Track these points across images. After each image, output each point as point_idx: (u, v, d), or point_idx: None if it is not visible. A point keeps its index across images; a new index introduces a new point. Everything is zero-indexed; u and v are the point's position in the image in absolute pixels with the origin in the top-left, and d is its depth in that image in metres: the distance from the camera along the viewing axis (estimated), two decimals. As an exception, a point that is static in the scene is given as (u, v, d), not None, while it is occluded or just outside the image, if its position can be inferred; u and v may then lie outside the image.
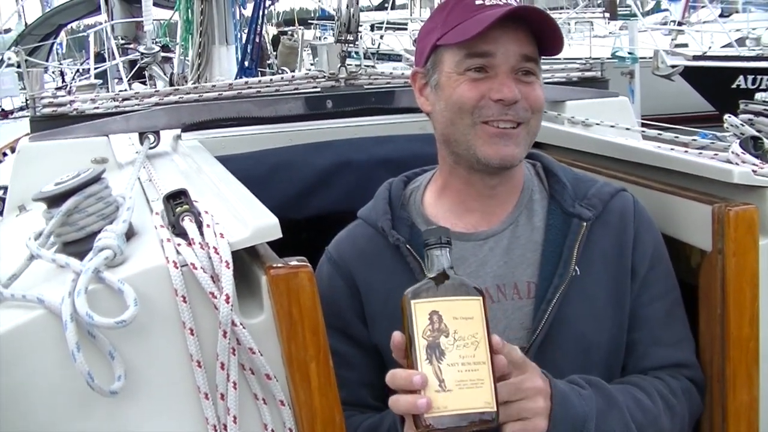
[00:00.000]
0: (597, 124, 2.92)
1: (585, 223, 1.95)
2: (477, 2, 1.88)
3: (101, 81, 12.13)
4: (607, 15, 20.94)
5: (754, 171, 2.01)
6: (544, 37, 1.89)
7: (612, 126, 2.89)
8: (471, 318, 1.52)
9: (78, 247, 1.60)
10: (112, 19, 14.47)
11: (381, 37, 22.92)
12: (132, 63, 12.55)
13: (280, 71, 10.86)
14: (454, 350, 1.49)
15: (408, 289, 1.56)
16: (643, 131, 2.93)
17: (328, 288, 1.93)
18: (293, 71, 11.62)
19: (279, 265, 1.59)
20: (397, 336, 1.56)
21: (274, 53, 12.88)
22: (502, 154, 1.88)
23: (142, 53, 11.87)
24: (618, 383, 1.90)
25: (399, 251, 1.96)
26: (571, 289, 1.90)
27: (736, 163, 2.08)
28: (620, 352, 1.97)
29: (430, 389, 1.48)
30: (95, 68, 13.22)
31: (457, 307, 1.52)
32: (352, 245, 2.05)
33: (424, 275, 1.79)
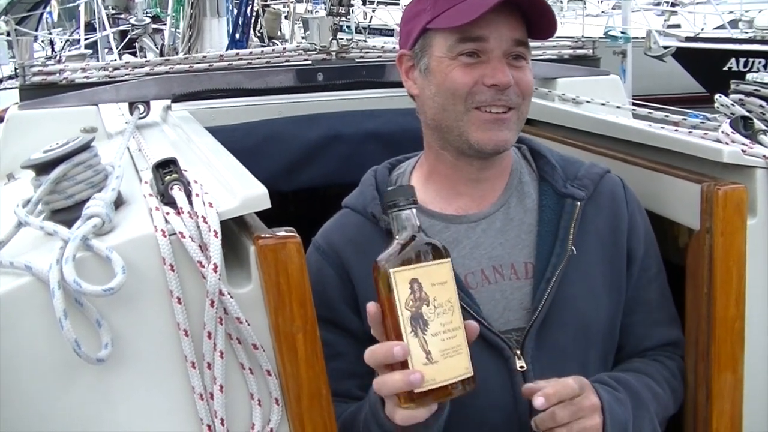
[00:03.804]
0: (588, 101, 2.92)
1: (579, 203, 1.95)
2: None
3: (91, 51, 12.05)
4: (600, -6, 20.88)
5: (743, 151, 2.02)
6: (535, 20, 1.87)
7: (602, 104, 2.90)
8: (445, 282, 1.49)
9: (66, 215, 1.59)
10: (103, -11, 14.36)
11: (373, 11, 22.79)
12: (123, 34, 12.49)
13: (271, 44, 10.82)
14: (436, 318, 1.46)
15: (380, 257, 1.52)
16: (634, 110, 2.94)
17: (317, 278, 1.86)
18: (277, 38, 11.58)
19: (267, 235, 1.58)
20: (372, 307, 1.52)
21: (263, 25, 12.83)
22: (496, 140, 1.87)
23: (133, 24, 11.85)
24: (628, 371, 1.93)
25: (390, 236, 1.95)
26: (569, 269, 1.90)
27: (726, 143, 2.08)
28: (615, 333, 1.99)
29: (417, 362, 1.44)
30: (85, 38, 13.11)
31: (433, 272, 1.49)
32: (342, 234, 2.01)
33: None
